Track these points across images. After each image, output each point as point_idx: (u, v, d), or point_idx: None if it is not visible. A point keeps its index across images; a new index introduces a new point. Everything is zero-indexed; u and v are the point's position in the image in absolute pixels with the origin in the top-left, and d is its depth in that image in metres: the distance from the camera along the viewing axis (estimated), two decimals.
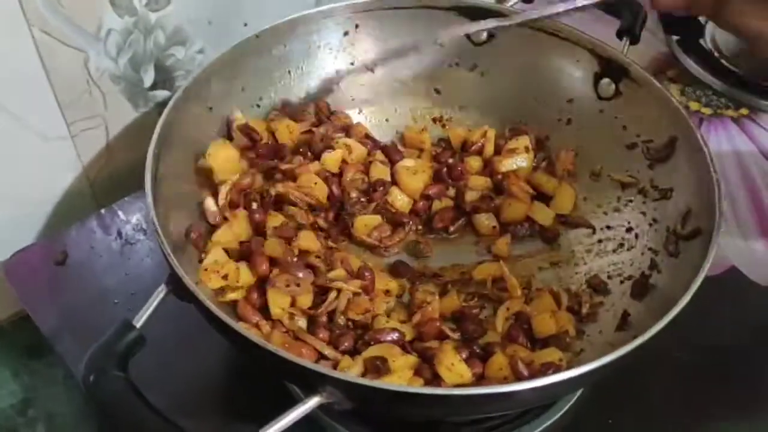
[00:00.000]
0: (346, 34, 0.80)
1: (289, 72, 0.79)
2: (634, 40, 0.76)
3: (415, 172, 0.75)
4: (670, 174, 0.70)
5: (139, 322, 0.53)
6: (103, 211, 0.81)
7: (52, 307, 0.74)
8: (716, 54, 1.03)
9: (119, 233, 0.80)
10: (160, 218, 0.58)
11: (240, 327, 0.51)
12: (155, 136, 0.64)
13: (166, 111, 0.67)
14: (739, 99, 0.98)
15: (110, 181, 0.84)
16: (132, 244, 0.79)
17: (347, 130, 0.79)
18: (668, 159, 0.70)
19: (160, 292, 0.55)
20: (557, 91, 0.78)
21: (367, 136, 0.79)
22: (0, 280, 0.78)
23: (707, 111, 0.97)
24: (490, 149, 0.78)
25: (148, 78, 0.81)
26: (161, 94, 0.83)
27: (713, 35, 1.06)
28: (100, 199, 0.84)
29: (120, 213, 0.81)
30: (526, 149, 0.76)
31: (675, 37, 1.06)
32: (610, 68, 0.75)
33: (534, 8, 0.80)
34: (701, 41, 1.05)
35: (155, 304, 0.54)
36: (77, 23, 0.71)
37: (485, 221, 0.73)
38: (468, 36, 0.81)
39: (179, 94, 0.68)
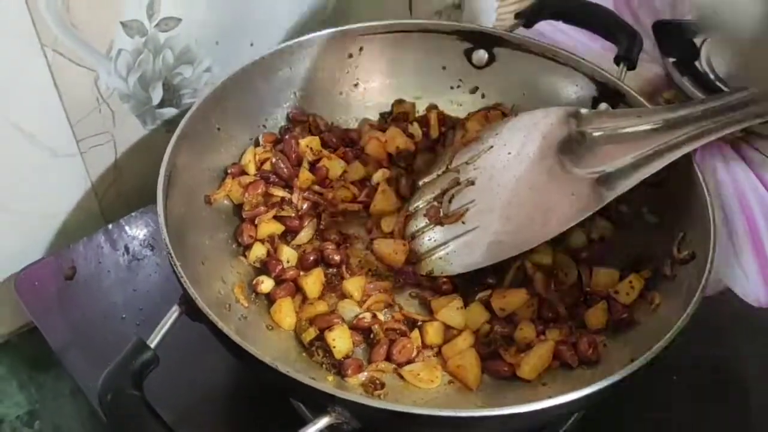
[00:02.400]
0: (350, 56, 0.82)
1: (294, 93, 0.81)
2: (631, 67, 0.78)
3: None
4: (665, 199, 0.72)
5: (153, 342, 0.54)
6: (110, 226, 0.82)
7: (60, 321, 0.75)
8: (711, 76, 1.05)
9: (126, 249, 0.81)
10: (172, 240, 0.60)
11: (251, 348, 0.53)
12: (166, 158, 0.66)
13: (176, 133, 0.68)
14: None
15: (118, 196, 0.86)
16: (139, 260, 0.80)
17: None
18: (663, 184, 0.72)
19: (173, 312, 0.56)
20: None
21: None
22: (8, 293, 0.79)
23: None
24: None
25: (157, 96, 0.83)
26: (168, 111, 0.85)
27: (709, 57, 1.08)
28: (108, 214, 0.85)
29: (127, 228, 0.83)
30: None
31: (671, 59, 1.08)
32: (607, 93, 0.77)
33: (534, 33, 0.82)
34: (697, 63, 1.07)
35: (168, 324, 0.56)
36: (89, 43, 0.73)
37: None
38: (469, 59, 0.83)
39: (188, 117, 0.70)
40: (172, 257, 0.58)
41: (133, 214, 0.83)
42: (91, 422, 0.78)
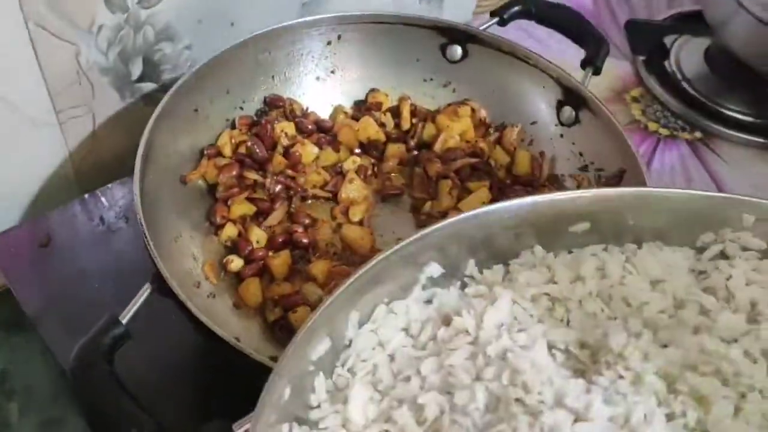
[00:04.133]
0: (328, 43, 0.84)
1: (273, 77, 0.83)
2: (596, 72, 0.81)
3: None
4: None
5: (125, 318, 0.57)
6: (86, 196, 0.84)
7: (35, 287, 0.77)
8: (678, 76, 1.09)
9: (102, 219, 0.83)
10: (147, 218, 0.62)
11: (219, 330, 0.56)
12: (144, 136, 0.68)
13: (155, 112, 0.71)
14: (695, 122, 1.04)
15: (94, 167, 0.87)
16: (114, 231, 0.82)
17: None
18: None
19: (145, 290, 0.59)
20: (523, 112, 0.84)
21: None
22: None
23: (664, 132, 1.03)
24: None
25: (136, 71, 0.84)
26: (147, 86, 0.86)
27: (678, 58, 1.12)
28: (84, 184, 0.87)
29: (103, 199, 0.84)
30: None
31: (641, 58, 1.11)
32: (571, 97, 0.80)
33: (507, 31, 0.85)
34: (666, 63, 1.11)
35: (141, 301, 0.59)
36: (71, 18, 0.74)
37: None
38: (444, 54, 0.85)
39: (168, 97, 0.72)
40: (146, 237, 0.60)
41: (109, 185, 0.85)
42: (61, 383, 0.80)
